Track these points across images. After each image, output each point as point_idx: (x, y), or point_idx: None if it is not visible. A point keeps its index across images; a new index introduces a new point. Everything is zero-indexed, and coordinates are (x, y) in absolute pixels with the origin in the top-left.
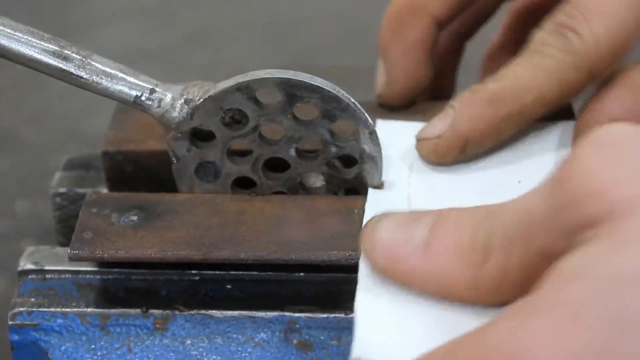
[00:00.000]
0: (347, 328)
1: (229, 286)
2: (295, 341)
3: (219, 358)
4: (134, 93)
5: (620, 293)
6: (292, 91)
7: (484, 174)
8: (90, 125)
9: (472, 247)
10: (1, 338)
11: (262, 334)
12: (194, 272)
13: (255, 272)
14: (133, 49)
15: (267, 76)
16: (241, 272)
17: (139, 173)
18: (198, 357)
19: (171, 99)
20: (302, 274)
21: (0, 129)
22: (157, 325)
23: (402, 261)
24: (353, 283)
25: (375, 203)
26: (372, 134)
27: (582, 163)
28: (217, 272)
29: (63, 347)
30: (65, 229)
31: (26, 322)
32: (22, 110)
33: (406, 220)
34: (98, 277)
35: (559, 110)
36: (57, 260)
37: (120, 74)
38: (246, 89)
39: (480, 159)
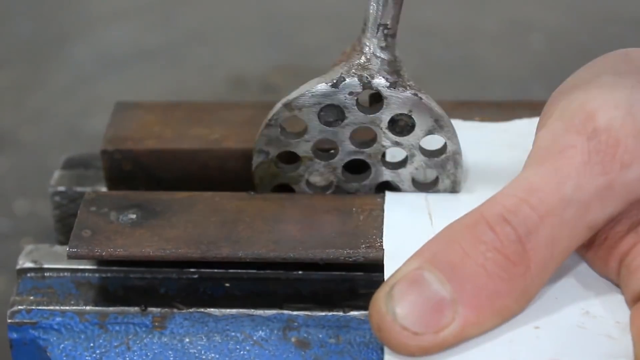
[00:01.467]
0: (345, 326)
1: (227, 284)
2: (293, 339)
3: (217, 356)
4: None
5: None
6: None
7: (497, 169)
8: (89, 125)
9: (507, 261)
10: (0, 336)
11: (260, 332)
12: (192, 270)
13: (254, 271)
14: (133, 48)
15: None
16: (239, 271)
17: (137, 172)
18: (197, 355)
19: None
20: (300, 272)
21: (0, 128)
22: (156, 324)
23: (443, 329)
24: (351, 281)
25: (393, 204)
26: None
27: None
28: (216, 271)
29: (62, 345)
30: (64, 228)
31: (25, 321)
32: (22, 110)
33: (410, 286)
34: (97, 275)
35: None
36: (55, 259)
37: None
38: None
39: (491, 155)
